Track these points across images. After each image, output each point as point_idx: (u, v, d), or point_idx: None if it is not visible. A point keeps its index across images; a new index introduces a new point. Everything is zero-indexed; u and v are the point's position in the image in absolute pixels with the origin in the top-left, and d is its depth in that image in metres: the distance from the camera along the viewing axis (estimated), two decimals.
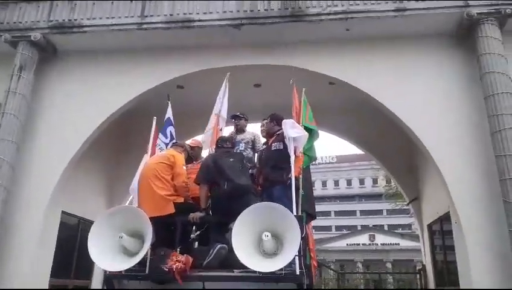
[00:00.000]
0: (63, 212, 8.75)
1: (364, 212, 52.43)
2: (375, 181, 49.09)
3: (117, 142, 10.84)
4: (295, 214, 4.18)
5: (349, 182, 56.54)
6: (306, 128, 5.69)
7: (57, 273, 8.46)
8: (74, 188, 8.98)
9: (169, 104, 7.40)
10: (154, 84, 8.42)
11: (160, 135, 7.06)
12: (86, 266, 9.34)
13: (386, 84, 7.89)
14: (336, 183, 56.83)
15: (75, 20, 8.39)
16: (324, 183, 56.62)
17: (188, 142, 6.31)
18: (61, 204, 8.54)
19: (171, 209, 4.51)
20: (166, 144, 6.71)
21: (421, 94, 7.72)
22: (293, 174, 4.53)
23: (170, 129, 7.26)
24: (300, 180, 5.04)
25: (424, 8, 7.58)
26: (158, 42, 8.39)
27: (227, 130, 7.00)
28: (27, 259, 7.50)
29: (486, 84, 7.12)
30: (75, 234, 9.04)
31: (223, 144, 5.08)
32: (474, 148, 7.26)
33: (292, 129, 4.95)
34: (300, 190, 4.88)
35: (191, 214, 4.47)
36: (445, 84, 7.72)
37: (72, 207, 9.04)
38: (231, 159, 4.67)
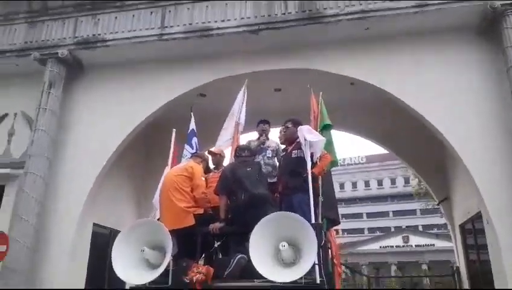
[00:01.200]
0: (94, 224, 8.97)
1: (397, 213, 51.34)
2: (406, 180, 47.92)
3: (143, 154, 11.07)
4: (313, 221, 4.15)
5: (380, 182, 55.50)
6: (324, 130, 5.65)
7: (91, 285, 8.65)
8: (104, 200, 9.19)
9: (192, 116, 7.51)
10: (176, 94, 8.57)
11: (187, 146, 7.18)
12: (118, 277, 9.50)
13: (408, 82, 7.75)
14: (367, 183, 55.89)
15: (99, 34, 8.65)
16: (354, 185, 55.82)
17: (214, 150, 6.35)
18: (92, 216, 8.77)
19: (191, 221, 4.55)
20: (192, 154, 6.81)
21: (446, 91, 7.53)
22: (310, 181, 4.49)
23: (195, 140, 7.38)
24: (320, 185, 5.02)
25: (445, 2, 7.40)
26: (178, 52, 8.55)
27: (244, 137, 7.03)
28: (61, 271, 7.73)
29: None
30: (106, 245, 9.23)
31: (241, 153, 5.09)
32: (503, 146, 7.01)
33: (309, 134, 4.92)
34: (320, 196, 4.85)
35: (211, 225, 4.50)
36: (471, 80, 7.49)
37: (103, 219, 9.25)
38: (248, 169, 4.67)
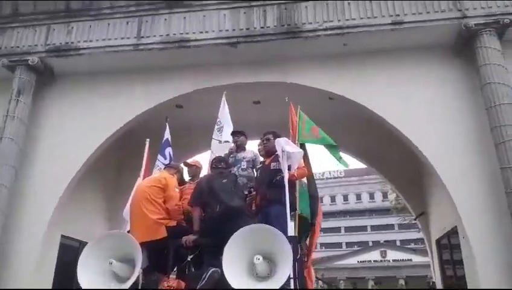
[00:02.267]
0: (62, 236, 8.74)
1: (375, 228, 51.89)
2: (385, 195, 48.48)
3: (116, 165, 10.89)
4: (290, 234, 4.12)
5: (358, 197, 56.08)
6: (302, 146, 5.71)
7: None
8: (74, 212, 8.97)
9: (167, 126, 7.44)
10: (151, 104, 8.47)
11: (159, 157, 7.10)
12: None
13: (385, 97, 7.87)
14: (345, 198, 56.40)
15: (72, 43, 8.51)
16: (333, 199, 56.23)
17: (190, 161, 6.30)
18: (60, 228, 8.54)
19: (163, 233, 4.49)
20: (166, 165, 6.73)
21: (422, 107, 7.68)
22: (287, 192, 4.48)
23: (169, 150, 7.32)
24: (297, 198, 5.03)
25: (421, 21, 7.60)
26: (154, 62, 8.48)
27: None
28: (26, 284, 7.44)
29: (487, 95, 7.07)
30: (75, 258, 8.97)
31: (217, 165, 5.07)
32: (478, 161, 7.17)
33: (287, 146, 4.93)
34: (297, 210, 4.85)
35: (184, 237, 4.44)
36: (446, 96, 7.67)
37: (72, 231, 9.02)
38: (224, 180, 4.65)
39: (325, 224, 48.77)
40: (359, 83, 8.04)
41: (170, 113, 8.23)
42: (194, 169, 6.02)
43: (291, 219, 4.61)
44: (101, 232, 4.75)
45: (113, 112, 8.49)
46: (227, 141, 6.67)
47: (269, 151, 5.41)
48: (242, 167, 5.92)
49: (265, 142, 5.49)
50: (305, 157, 5.75)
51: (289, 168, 4.82)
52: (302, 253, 5.21)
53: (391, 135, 8.12)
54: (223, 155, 5.93)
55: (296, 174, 4.96)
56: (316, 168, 7.01)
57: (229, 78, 8.36)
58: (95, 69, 8.70)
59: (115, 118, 8.45)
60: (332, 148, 6.17)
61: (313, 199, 5.81)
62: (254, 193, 5.31)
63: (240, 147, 6.25)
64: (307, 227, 5.63)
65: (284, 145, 4.86)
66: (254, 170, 5.99)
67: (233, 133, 6.39)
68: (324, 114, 9.27)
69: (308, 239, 5.76)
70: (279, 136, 5.27)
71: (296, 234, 4.95)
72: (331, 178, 56.34)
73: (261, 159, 5.87)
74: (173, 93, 8.51)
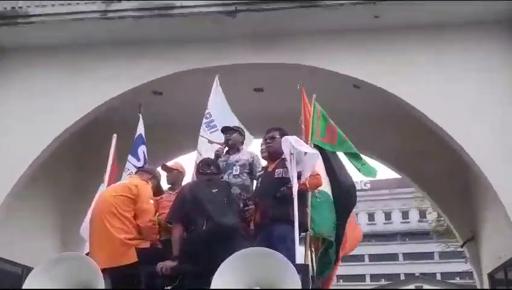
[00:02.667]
0: (0, 259, 8.76)
1: (409, 256, 51.91)
2: (422, 214, 48.50)
3: (75, 166, 10.92)
4: (298, 262, 4.10)
5: (388, 216, 56.12)
6: (317, 147, 5.68)
7: None
8: (16, 228, 8.97)
9: (141, 117, 7.42)
10: (122, 89, 8.51)
11: (130, 157, 7.08)
12: None
13: (427, 86, 7.91)
14: (371, 217, 56.43)
15: (20, 8, 8.53)
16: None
17: (169, 164, 6.27)
18: None
19: (133, 258, 4.44)
20: (138, 169, 6.72)
21: (473, 100, 7.70)
22: (295, 207, 4.45)
23: (142, 149, 7.29)
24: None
25: None
26: (128, 35, 8.50)
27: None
28: None
29: None
30: (17, 286, 8.98)
31: (205, 169, 4.99)
32: None
33: (299, 147, 4.88)
34: (310, 230, 4.81)
35: (160, 263, 4.38)
36: (505, 85, 7.66)
37: (13, 253, 9.02)
38: (213, 190, 4.58)
39: None
40: (393, 67, 8.06)
41: (146, 102, 8.20)
42: (175, 174, 5.93)
43: (300, 243, 4.55)
44: (51, 255, 4.71)
45: (72, 97, 8.52)
46: (216, 142, 6.62)
47: (274, 154, 5.34)
48: (234, 172, 5.88)
49: (268, 141, 5.42)
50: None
51: (299, 176, 4.77)
52: (315, 287, 5.17)
53: (433, 135, 8.10)
54: (212, 157, 5.89)
55: (308, 184, 4.91)
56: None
57: (223, 57, 8.38)
58: (51, 42, 8.72)
59: (75, 104, 8.48)
60: (352, 155, 6.15)
61: (341, 210, 5.77)
62: (252, 206, 5.28)
63: (233, 148, 6.20)
64: (327, 254, 5.57)
65: (295, 145, 4.81)
66: (252, 177, 5.96)
67: (224, 130, 6.34)
68: (346, 107, 9.34)
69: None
70: (286, 134, 5.22)
71: (309, 262, 4.92)
72: None
73: (263, 162, 5.83)
74: (150, 75, 8.55)
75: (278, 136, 5.31)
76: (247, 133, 6.59)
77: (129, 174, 6.69)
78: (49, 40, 8.70)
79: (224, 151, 6.15)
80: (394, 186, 51.46)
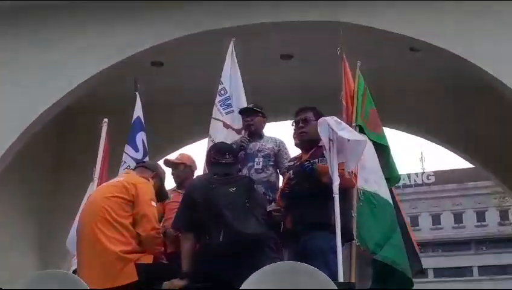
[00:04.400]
0: None
1: (486, 270, 51.60)
2: (504, 215, 48.18)
3: (56, 160, 11.06)
4: (341, 280, 4.14)
5: (458, 218, 55.82)
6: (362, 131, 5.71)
7: None
8: None
9: (138, 96, 7.48)
10: (113, 60, 8.55)
11: (127, 148, 7.17)
12: None
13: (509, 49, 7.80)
14: (436, 219, 56.24)
15: None
16: (414, 221, 55.99)
17: (174, 158, 6.35)
18: None
19: (132, 276, 4.47)
20: (139, 161, 6.84)
21: None
22: (337, 208, 4.52)
23: (141, 137, 7.37)
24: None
25: None
26: None
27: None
28: None
29: None
30: None
31: (219, 158, 5.01)
32: None
33: (340, 131, 4.90)
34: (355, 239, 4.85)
35: (166, 282, 4.46)
36: None
37: None
38: (232, 189, 4.63)
39: None
40: (463, 24, 8.00)
41: (143, 76, 8.27)
42: (182, 170, 6.06)
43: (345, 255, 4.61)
44: (29, 273, 4.79)
45: (51, 70, 8.59)
46: (232, 127, 6.66)
47: (308, 141, 5.39)
48: (256, 165, 5.93)
49: (302, 125, 5.45)
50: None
51: (341, 167, 4.78)
52: None
53: None
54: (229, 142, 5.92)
55: (353, 179, 4.96)
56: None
57: (240, 15, 8.37)
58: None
59: (54, 80, 8.54)
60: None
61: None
62: (278, 208, 5.35)
63: (255, 134, 6.23)
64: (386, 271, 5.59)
65: (335, 128, 4.83)
66: (278, 171, 6.00)
67: (244, 111, 6.36)
68: (400, 76, 9.31)
69: None
70: (323, 115, 5.24)
71: (354, 279, 4.94)
72: (410, 185, 56.12)
73: (294, 151, 5.86)
74: (147, 41, 8.57)
75: (312, 119, 5.35)
76: (235, 111, 6.68)
77: (126, 168, 6.76)
78: None
79: (245, 140, 6.17)
80: (466, 180, 51.03)
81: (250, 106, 6.44)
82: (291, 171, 5.32)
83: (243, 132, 6.25)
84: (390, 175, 6.18)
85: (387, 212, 5.68)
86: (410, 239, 6.18)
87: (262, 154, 5.97)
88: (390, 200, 5.77)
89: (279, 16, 8.38)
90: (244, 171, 5.76)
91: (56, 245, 10.37)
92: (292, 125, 5.60)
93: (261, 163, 5.91)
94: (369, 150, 5.58)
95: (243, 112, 6.36)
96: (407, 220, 6.38)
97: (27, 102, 8.49)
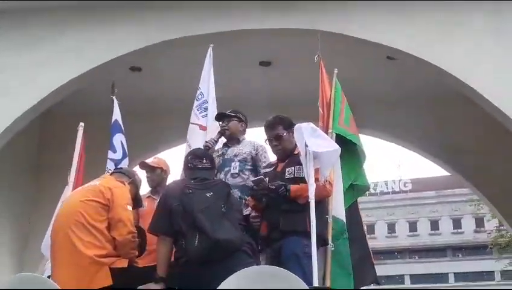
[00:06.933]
0: None
1: (462, 277, 51.91)
2: (479, 223, 48.50)
3: (33, 164, 11.01)
4: (315, 285, 4.16)
5: (434, 225, 56.06)
6: (339, 138, 5.74)
7: None
8: None
9: (115, 100, 7.48)
10: (89, 65, 8.51)
11: (110, 153, 7.18)
12: None
13: (484, 57, 7.87)
14: (412, 226, 56.40)
15: None
16: (391, 228, 56.21)
17: (150, 161, 6.34)
18: None
19: (106, 280, 4.47)
20: (117, 162, 6.82)
21: None
22: (312, 213, 4.54)
23: (120, 138, 7.37)
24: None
25: None
26: None
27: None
28: None
29: None
30: None
31: (196, 163, 5.03)
32: None
33: (314, 139, 4.94)
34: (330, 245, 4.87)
35: (141, 287, 4.48)
36: None
37: None
38: (208, 194, 4.63)
39: (379, 269, 48.73)
40: (442, 31, 8.04)
41: (120, 80, 8.26)
42: (159, 174, 6.08)
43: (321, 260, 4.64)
44: (9, 278, 4.78)
45: (27, 74, 8.54)
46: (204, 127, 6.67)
47: (284, 152, 5.43)
48: (233, 170, 5.93)
49: (275, 143, 5.47)
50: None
51: (316, 175, 4.82)
52: None
53: (493, 121, 8.09)
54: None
55: (327, 187, 5.00)
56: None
57: (220, 21, 8.38)
58: None
59: (30, 85, 8.49)
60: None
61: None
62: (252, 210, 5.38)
63: (231, 139, 6.24)
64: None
65: (309, 136, 4.86)
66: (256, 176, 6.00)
67: (220, 116, 6.36)
68: (377, 85, 9.35)
69: None
70: (291, 124, 5.29)
71: (328, 284, 4.99)
72: (387, 193, 56.32)
73: (269, 156, 5.87)
74: (126, 46, 8.56)
75: (283, 132, 5.37)
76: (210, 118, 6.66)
77: (108, 171, 6.67)
78: None
79: (218, 142, 6.16)
80: (442, 187, 51.33)
81: (226, 111, 6.46)
82: (266, 180, 5.34)
83: (216, 135, 6.24)
84: (362, 183, 6.24)
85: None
86: (367, 250, 6.21)
87: (238, 158, 5.95)
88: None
89: (258, 23, 8.40)
90: (221, 176, 5.77)
91: (33, 250, 10.41)
92: (265, 142, 5.62)
93: (237, 168, 5.88)
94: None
95: (218, 117, 6.38)
96: (366, 229, 6.34)
97: (7, 103, 8.44)
